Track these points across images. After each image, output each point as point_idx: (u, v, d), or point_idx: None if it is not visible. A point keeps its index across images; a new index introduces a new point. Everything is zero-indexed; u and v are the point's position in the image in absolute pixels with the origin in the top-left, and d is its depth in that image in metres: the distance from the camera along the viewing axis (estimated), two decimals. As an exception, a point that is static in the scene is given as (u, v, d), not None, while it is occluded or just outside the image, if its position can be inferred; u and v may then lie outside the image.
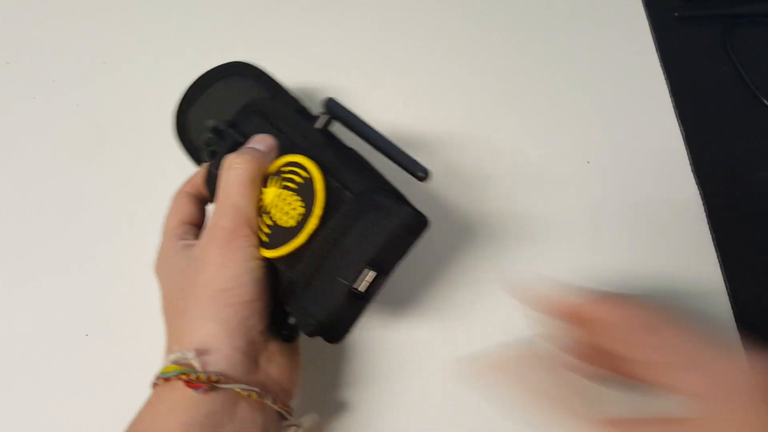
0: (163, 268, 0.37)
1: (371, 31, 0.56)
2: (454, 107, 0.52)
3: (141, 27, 0.55)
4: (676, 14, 0.57)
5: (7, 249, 0.45)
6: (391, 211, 0.32)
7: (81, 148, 0.49)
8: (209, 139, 0.39)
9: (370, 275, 0.31)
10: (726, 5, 0.57)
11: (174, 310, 0.34)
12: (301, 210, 0.33)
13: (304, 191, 0.33)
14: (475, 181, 0.48)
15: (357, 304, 0.33)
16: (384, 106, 0.51)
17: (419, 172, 0.32)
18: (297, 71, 0.51)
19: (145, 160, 0.48)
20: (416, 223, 0.32)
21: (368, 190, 0.33)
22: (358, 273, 0.31)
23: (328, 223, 0.32)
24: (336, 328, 0.33)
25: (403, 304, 0.44)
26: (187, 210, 0.38)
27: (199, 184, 0.39)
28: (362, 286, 0.32)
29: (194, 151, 0.43)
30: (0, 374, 0.41)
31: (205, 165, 0.39)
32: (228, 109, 0.40)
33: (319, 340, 0.34)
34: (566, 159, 0.50)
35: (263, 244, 0.34)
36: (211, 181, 0.37)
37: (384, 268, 0.32)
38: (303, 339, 0.38)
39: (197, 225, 0.38)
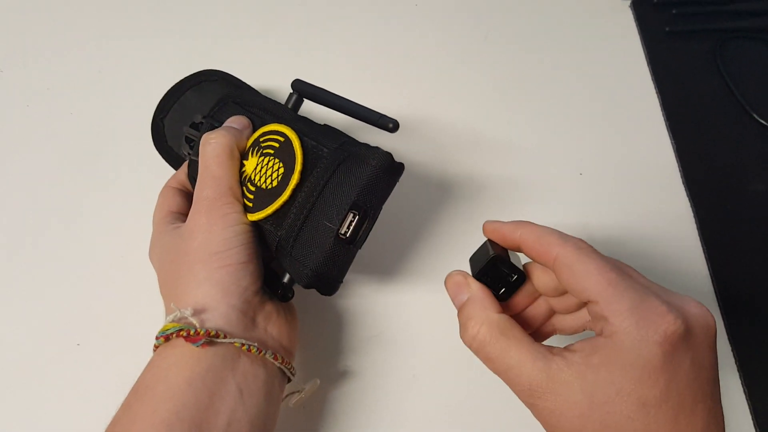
0: (155, 251, 0.38)
1: (363, 33, 0.56)
2: (445, 120, 0.52)
3: (136, 36, 0.55)
4: (667, 29, 0.58)
5: (0, 257, 0.45)
6: (367, 155, 0.34)
7: (75, 156, 0.49)
8: (188, 134, 0.41)
9: (354, 218, 0.33)
10: (716, 20, 0.58)
11: (170, 283, 0.35)
12: (282, 170, 0.35)
13: (283, 153, 0.35)
14: (467, 192, 0.49)
15: (345, 249, 0.34)
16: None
17: (389, 124, 0.34)
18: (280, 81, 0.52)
19: (140, 168, 0.48)
20: (392, 164, 0.34)
21: (344, 144, 0.35)
22: (342, 216, 0.33)
23: (310, 177, 0.34)
24: (328, 275, 0.34)
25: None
26: (173, 201, 0.40)
27: (183, 179, 0.41)
28: (348, 230, 0.33)
29: (174, 159, 0.45)
30: (-11, 383, 0.41)
31: (187, 161, 0.41)
32: (202, 113, 0.42)
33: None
34: (559, 171, 0.50)
35: (248, 210, 0.36)
36: (192, 170, 0.38)
37: (367, 210, 0.33)
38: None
39: (184, 214, 0.39)
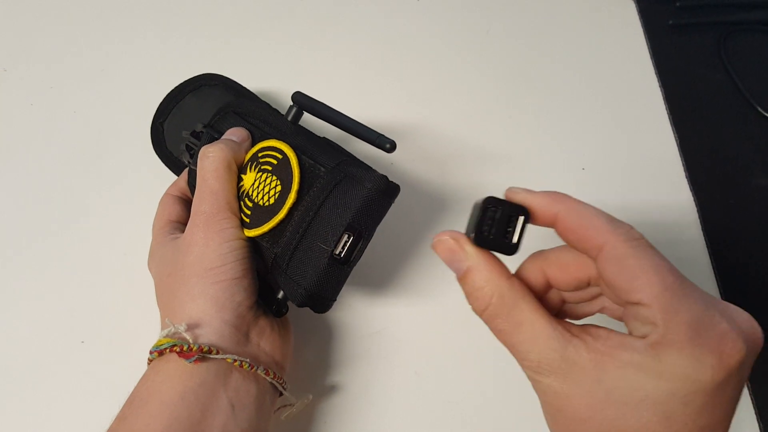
0: (153, 262, 0.38)
1: (358, 37, 0.56)
2: (447, 116, 0.52)
3: (139, 35, 0.55)
4: (670, 22, 0.57)
5: (3, 255, 0.45)
6: (363, 177, 0.34)
7: (79, 154, 0.49)
8: (189, 143, 0.41)
9: (349, 239, 0.33)
10: (720, 13, 0.58)
11: (166, 295, 0.36)
12: (279, 188, 0.35)
13: (280, 170, 0.35)
14: (468, 188, 0.49)
15: (339, 269, 0.34)
16: (378, 116, 0.51)
17: (386, 144, 0.35)
18: (279, 81, 0.52)
19: (143, 167, 0.48)
20: (387, 187, 0.35)
21: (341, 164, 0.35)
22: (337, 238, 0.33)
23: (306, 197, 0.35)
24: (322, 294, 0.35)
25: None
26: (173, 210, 0.40)
27: (183, 186, 0.41)
28: (342, 250, 0.33)
29: (173, 163, 0.45)
30: (-5, 380, 0.41)
31: (187, 168, 0.41)
32: (202, 118, 0.42)
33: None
34: (562, 166, 0.50)
35: (246, 225, 0.36)
36: (192, 178, 0.39)
37: (362, 232, 0.34)
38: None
39: (183, 223, 0.39)
